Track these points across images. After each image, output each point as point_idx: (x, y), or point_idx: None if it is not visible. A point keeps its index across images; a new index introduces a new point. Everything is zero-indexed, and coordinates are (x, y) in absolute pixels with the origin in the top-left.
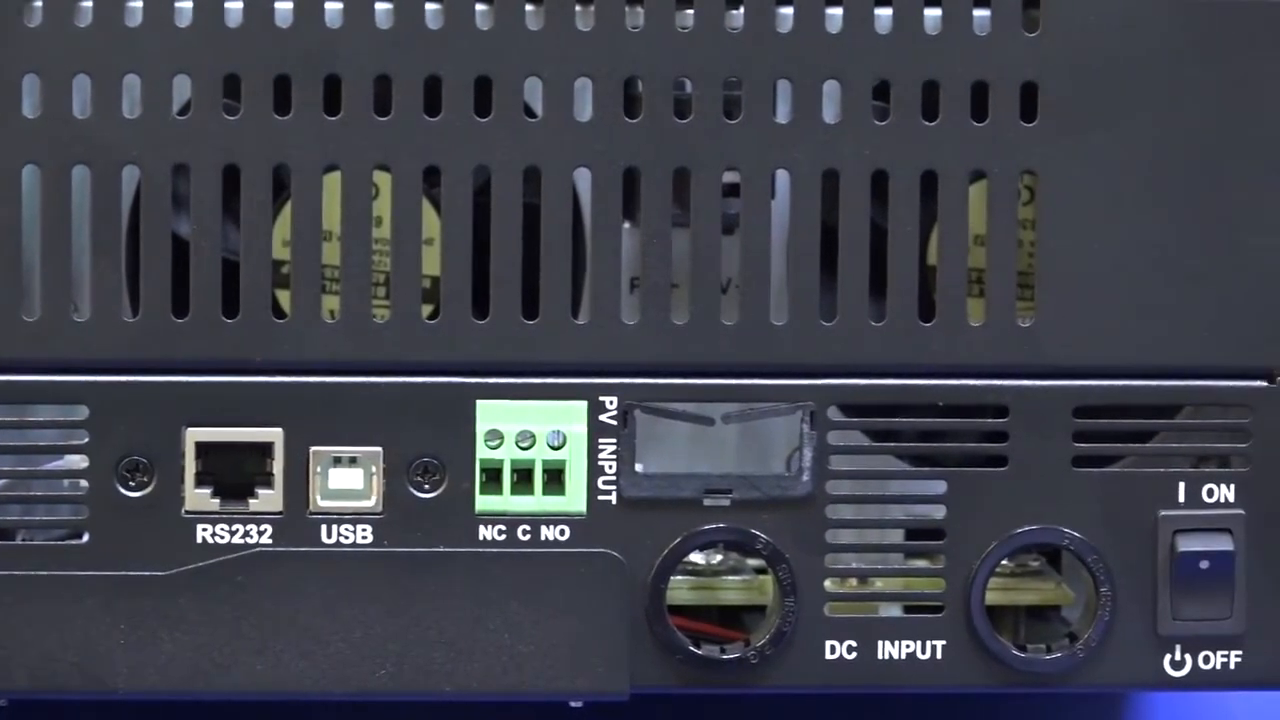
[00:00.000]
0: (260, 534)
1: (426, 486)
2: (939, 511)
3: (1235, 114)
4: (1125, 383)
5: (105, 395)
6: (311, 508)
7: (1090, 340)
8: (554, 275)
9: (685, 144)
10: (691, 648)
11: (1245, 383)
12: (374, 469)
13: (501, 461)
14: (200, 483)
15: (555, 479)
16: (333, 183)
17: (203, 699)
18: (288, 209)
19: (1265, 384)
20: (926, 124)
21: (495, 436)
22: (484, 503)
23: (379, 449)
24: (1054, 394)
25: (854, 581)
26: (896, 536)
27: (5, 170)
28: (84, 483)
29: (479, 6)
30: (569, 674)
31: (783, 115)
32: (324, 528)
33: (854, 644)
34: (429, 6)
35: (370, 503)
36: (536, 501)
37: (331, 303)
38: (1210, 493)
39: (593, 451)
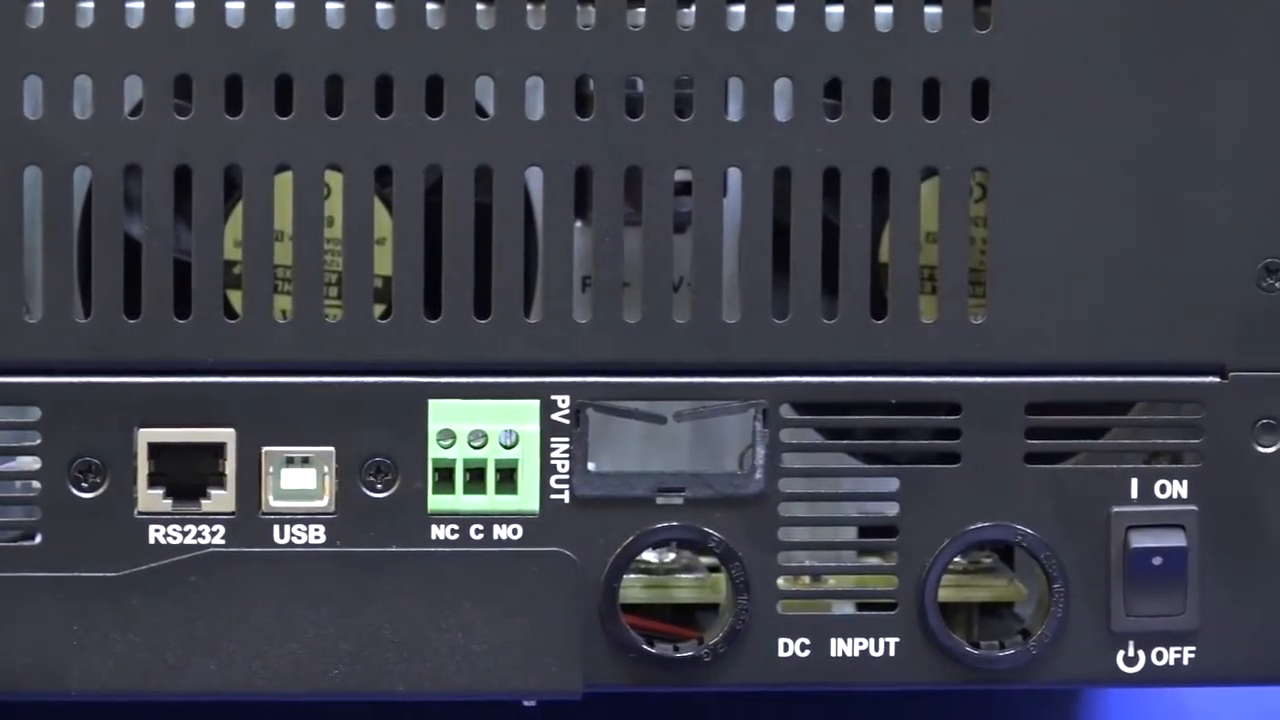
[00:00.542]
0: (213, 534)
1: (379, 486)
2: (892, 509)
3: (1186, 110)
4: (1077, 379)
5: (57, 396)
6: (264, 508)
7: (1042, 337)
8: (506, 274)
9: (637, 142)
10: (645, 646)
11: (1197, 379)
12: (326, 469)
13: (454, 461)
14: (153, 483)
15: (508, 478)
16: (284, 183)
17: (157, 700)
18: (239, 209)
19: (1217, 380)
20: (878, 121)
21: (448, 436)
22: (436, 502)
23: (331, 449)
24: (1006, 391)
25: (807, 579)
26: (849, 534)
27: None
28: (36, 484)
29: (430, 6)
30: (522, 673)
31: (734, 113)
32: (276, 528)
33: (807, 641)
34: (380, 6)
35: (323, 503)
36: (489, 501)
37: (284, 303)
38: (1163, 489)
39: (545, 450)
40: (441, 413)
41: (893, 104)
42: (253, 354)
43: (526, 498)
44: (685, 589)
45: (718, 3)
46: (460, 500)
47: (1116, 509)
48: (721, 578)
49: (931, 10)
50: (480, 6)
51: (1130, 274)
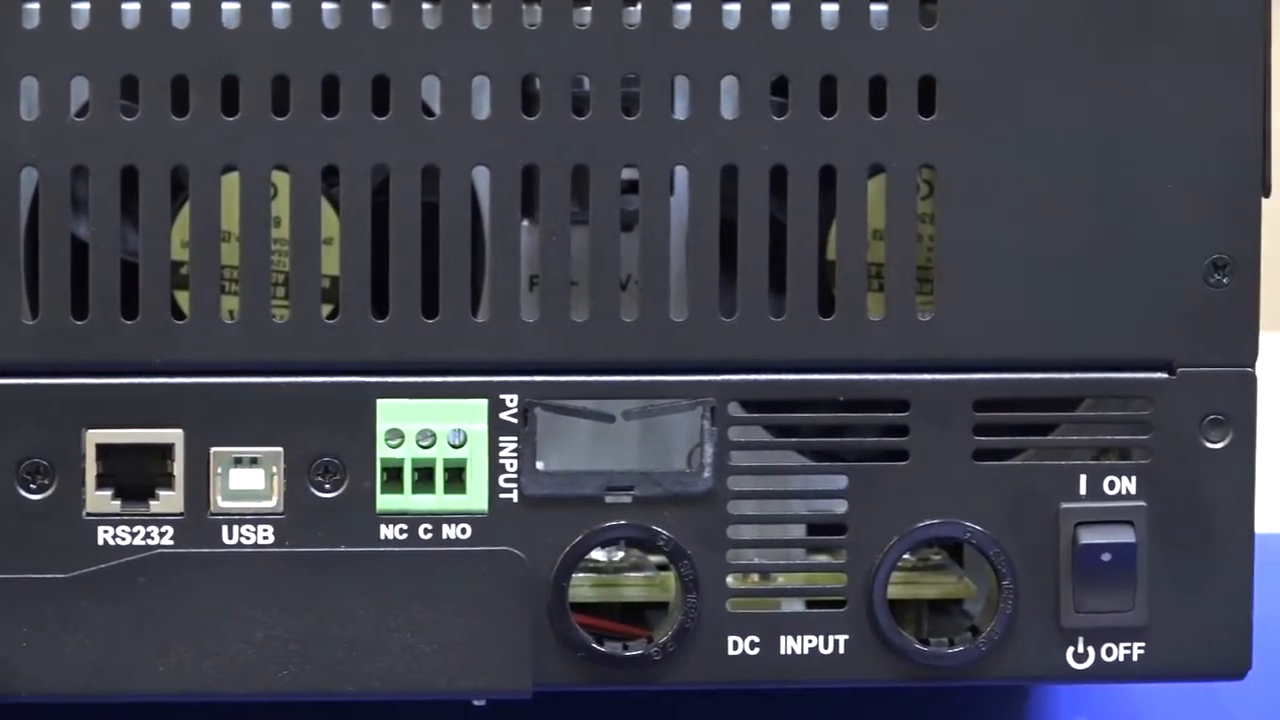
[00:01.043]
0: (161, 535)
1: (327, 486)
2: (840, 506)
3: (1133, 106)
4: (1025, 376)
5: (4, 397)
6: (212, 508)
7: (990, 334)
8: (453, 274)
9: (583, 141)
10: (594, 645)
11: (1145, 375)
12: (275, 469)
13: (402, 460)
14: (101, 484)
15: (456, 477)
16: (231, 183)
17: (106, 701)
18: (186, 210)
19: (1165, 376)
20: (825, 119)
21: (396, 435)
22: (385, 502)
23: (279, 449)
24: (954, 388)
25: (756, 577)
26: (798, 532)
27: None
28: None
29: (376, 6)
30: (471, 672)
31: (681, 111)
32: (225, 528)
33: (756, 639)
34: (326, 6)
35: (271, 503)
36: (438, 500)
37: (231, 303)
38: (1112, 485)
39: (494, 450)
40: (390, 412)
41: (839, 102)
42: (200, 354)
43: (475, 497)
44: (634, 587)
45: (664, 1)
46: (409, 500)
47: (1065, 505)
48: (671, 576)
49: (877, 8)
50: (426, 6)
51: (1078, 270)
